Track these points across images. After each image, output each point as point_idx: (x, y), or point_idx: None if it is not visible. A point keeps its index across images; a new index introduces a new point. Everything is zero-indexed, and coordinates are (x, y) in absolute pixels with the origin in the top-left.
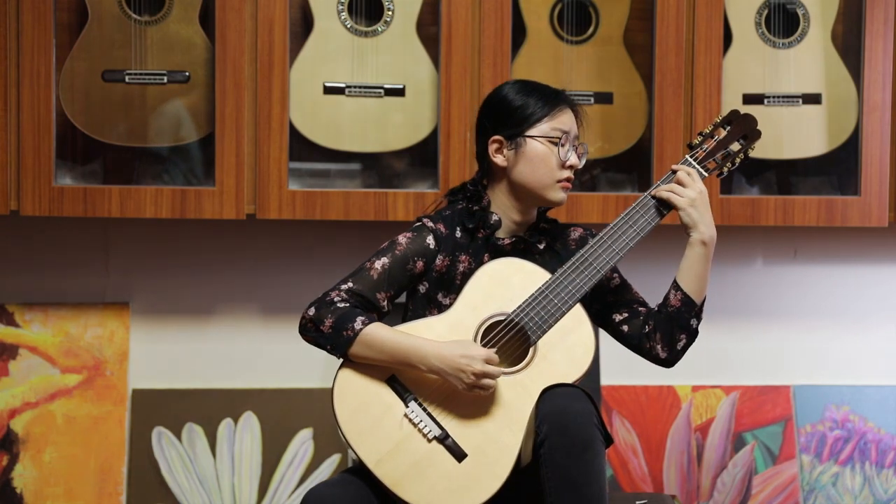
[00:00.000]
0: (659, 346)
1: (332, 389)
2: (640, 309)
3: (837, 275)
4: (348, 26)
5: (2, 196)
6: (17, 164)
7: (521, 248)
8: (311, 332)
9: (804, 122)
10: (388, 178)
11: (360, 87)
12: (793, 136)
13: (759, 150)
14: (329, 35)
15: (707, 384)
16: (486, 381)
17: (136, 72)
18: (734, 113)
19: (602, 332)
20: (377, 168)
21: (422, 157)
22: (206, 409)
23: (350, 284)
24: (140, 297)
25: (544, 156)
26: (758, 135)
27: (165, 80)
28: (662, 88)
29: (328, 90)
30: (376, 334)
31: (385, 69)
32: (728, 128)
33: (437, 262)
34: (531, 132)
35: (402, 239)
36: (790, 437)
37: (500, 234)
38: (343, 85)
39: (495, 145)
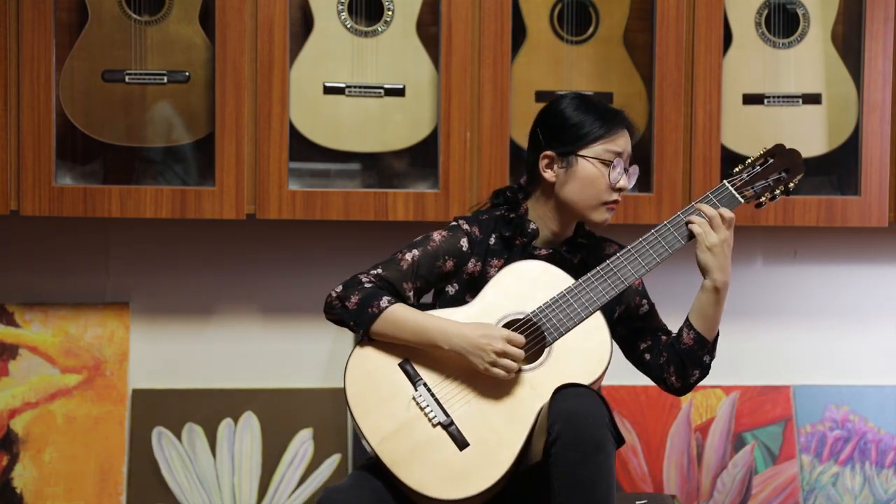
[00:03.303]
0: (673, 378)
1: (345, 367)
2: (662, 337)
3: (837, 275)
4: (348, 26)
5: (2, 196)
6: (17, 164)
7: (557, 259)
8: (337, 308)
9: (804, 122)
10: (388, 178)
11: (360, 87)
12: (793, 136)
13: (760, 150)
14: (329, 35)
15: (707, 384)
16: (506, 361)
17: (136, 72)
18: (779, 147)
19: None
20: (377, 168)
21: (422, 157)
22: (206, 409)
23: (380, 271)
24: (140, 297)
25: (594, 177)
26: (801, 170)
27: (165, 80)
28: (662, 88)
29: (328, 90)
30: (401, 313)
31: (385, 69)
32: (771, 160)
33: (469, 265)
34: (584, 152)
35: (436, 236)
36: (790, 437)
37: (537, 243)
38: (343, 85)
39: (546, 160)
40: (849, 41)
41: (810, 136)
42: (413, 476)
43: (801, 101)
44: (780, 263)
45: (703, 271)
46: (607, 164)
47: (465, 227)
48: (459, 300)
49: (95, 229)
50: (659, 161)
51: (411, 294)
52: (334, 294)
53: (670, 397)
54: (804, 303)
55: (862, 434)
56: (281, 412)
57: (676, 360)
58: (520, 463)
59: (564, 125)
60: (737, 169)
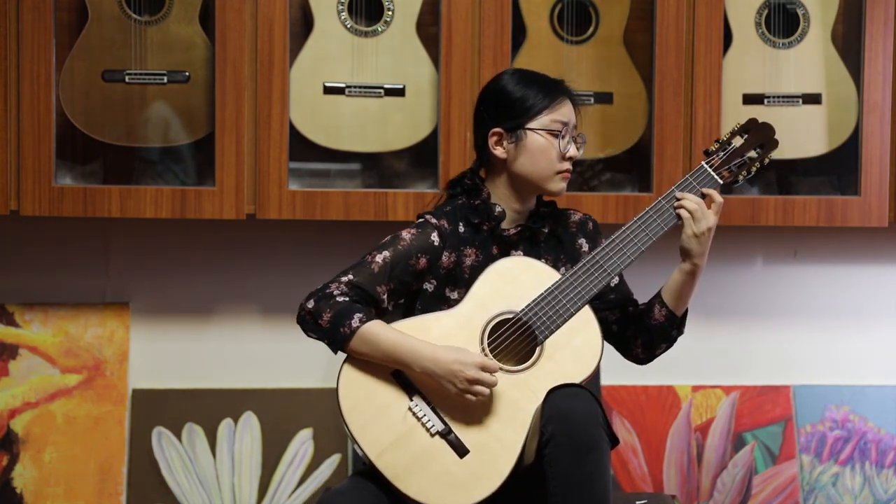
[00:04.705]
0: (639, 350)
1: (337, 380)
2: (629, 308)
3: (837, 275)
4: (348, 26)
5: (2, 196)
6: (17, 164)
7: (527, 235)
8: (310, 324)
9: (804, 122)
10: (388, 178)
11: (360, 87)
12: (793, 136)
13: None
14: (329, 35)
15: (707, 384)
16: (478, 388)
17: (136, 72)
18: (752, 121)
19: None
20: (377, 168)
21: (422, 157)
22: (206, 409)
23: (350, 277)
24: (140, 297)
25: (545, 148)
26: (775, 144)
27: (165, 80)
28: (662, 88)
29: (328, 90)
30: (373, 332)
31: (385, 69)
32: (745, 136)
33: (444, 259)
34: (531, 125)
35: (405, 234)
36: (790, 437)
37: (505, 224)
38: (343, 85)
39: (495, 138)
40: (849, 41)
41: (810, 136)
42: (416, 488)
43: (801, 101)
44: (780, 263)
45: (685, 255)
46: (555, 134)
47: (434, 221)
48: (440, 296)
49: (95, 229)
50: (659, 161)
51: (385, 297)
52: (306, 309)
53: (670, 397)
54: (804, 303)
55: (862, 434)
56: (281, 412)
57: (645, 334)
58: (520, 466)
59: (508, 100)
60: (713, 147)
